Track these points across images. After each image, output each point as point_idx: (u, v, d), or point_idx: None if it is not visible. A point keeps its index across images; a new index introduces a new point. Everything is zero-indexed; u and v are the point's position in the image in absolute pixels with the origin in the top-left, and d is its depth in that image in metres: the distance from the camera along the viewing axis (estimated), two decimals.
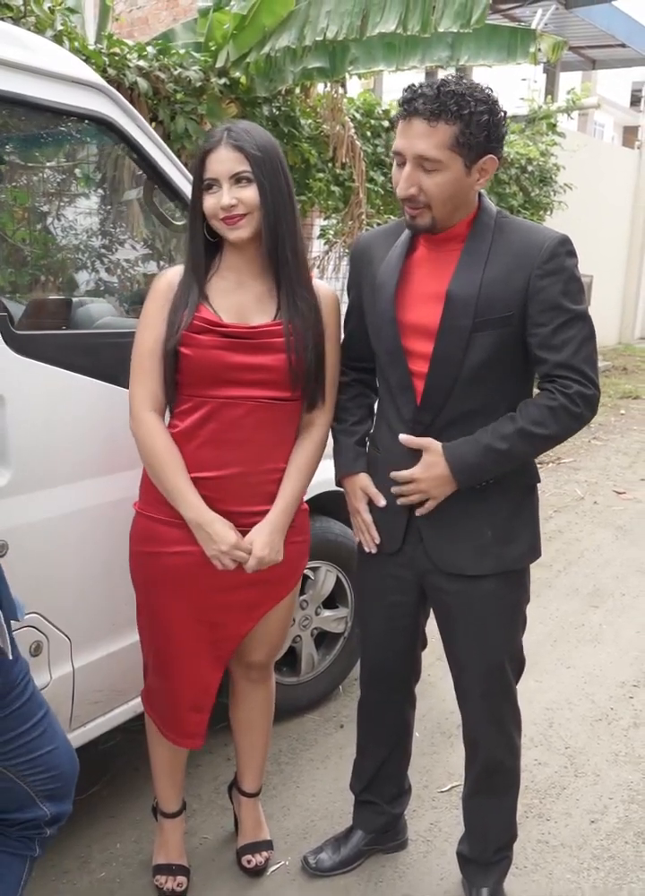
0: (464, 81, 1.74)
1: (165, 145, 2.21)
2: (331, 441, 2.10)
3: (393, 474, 1.88)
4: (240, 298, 1.91)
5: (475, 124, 1.69)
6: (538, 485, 2.01)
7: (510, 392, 1.86)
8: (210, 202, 1.84)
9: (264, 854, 2.27)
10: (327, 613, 2.99)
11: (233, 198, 1.81)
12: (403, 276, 1.86)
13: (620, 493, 5.95)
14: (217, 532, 1.86)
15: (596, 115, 20.11)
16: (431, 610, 2.10)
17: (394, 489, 1.89)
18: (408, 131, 1.72)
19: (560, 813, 2.58)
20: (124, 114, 2.12)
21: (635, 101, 22.83)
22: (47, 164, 2.49)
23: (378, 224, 7.24)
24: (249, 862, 2.25)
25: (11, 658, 1.45)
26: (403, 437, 1.86)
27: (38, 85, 1.90)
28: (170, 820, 2.20)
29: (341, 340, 2.06)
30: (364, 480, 2.02)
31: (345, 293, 2.12)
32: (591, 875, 2.33)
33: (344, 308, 2.09)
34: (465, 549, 1.88)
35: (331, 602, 3.01)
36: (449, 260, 1.82)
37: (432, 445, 1.84)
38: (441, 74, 1.79)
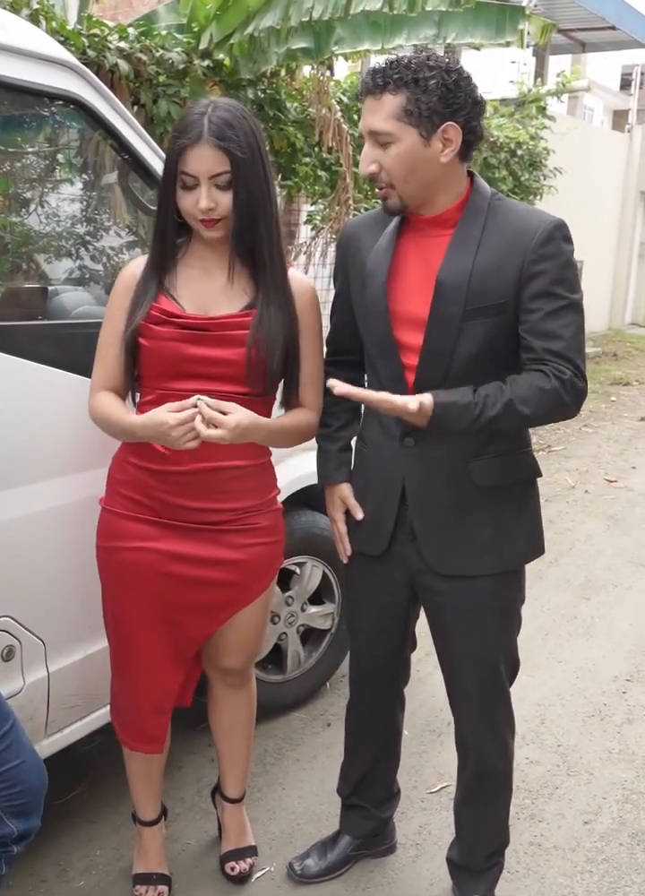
0: (423, 53, 1.67)
1: (140, 127, 2.12)
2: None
3: (370, 394, 1.65)
4: (205, 287, 1.83)
5: (423, 91, 1.62)
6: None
7: None
8: (188, 200, 1.75)
9: (249, 860, 2.21)
10: (313, 609, 2.91)
11: (212, 201, 1.72)
12: (394, 264, 1.78)
13: (611, 481, 5.90)
14: (155, 427, 1.70)
15: (585, 98, 20.02)
16: (421, 610, 2.03)
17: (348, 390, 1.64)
18: (363, 111, 1.69)
19: (553, 814, 2.52)
20: (97, 94, 2.02)
21: (625, 85, 22.69)
22: (11, 149, 2.38)
23: (366, 209, 7.14)
24: (233, 869, 2.18)
25: None
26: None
27: (3, 63, 1.80)
28: (149, 828, 2.13)
29: (329, 334, 1.98)
30: (344, 490, 1.97)
31: (332, 281, 2.04)
32: (585, 879, 2.27)
33: (329, 296, 2.01)
34: (462, 549, 1.81)
35: (317, 598, 2.94)
36: (439, 246, 1.74)
37: (426, 400, 1.62)
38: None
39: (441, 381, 1.74)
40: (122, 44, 4.67)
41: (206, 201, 1.72)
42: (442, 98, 1.63)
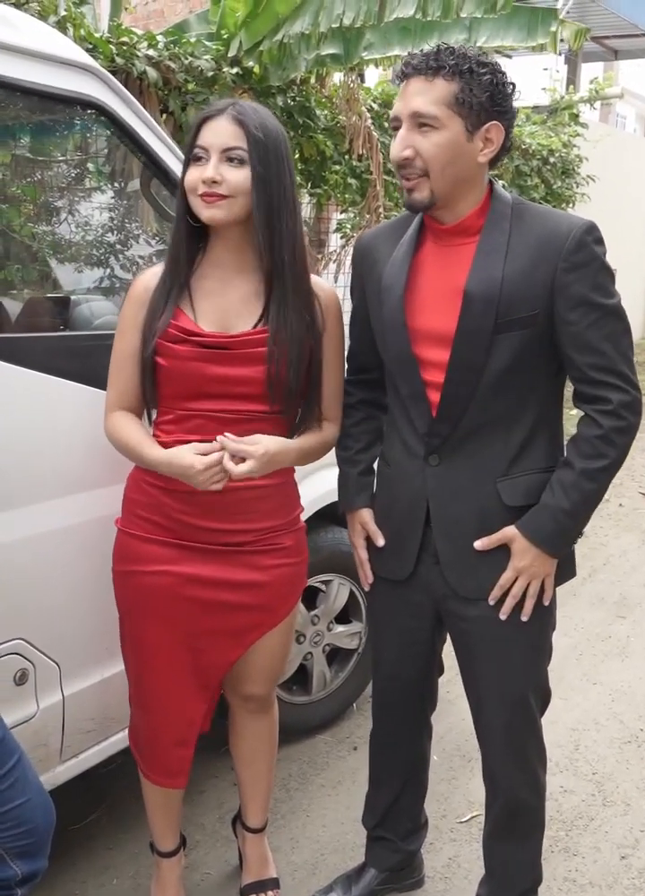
0: (472, 49, 1.60)
1: (162, 132, 2.05)
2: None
3: (496, 590, 1.72)
4: (223, 301, 1.74)
5: (476, 84, 1.55)
6: None
7: (535, 398, 1.69)
8: (193, 174, 1.65)
9: (270, 893, 2.12)
10: (340, 628, 2.83)
11: (218, 174, 1.63)
12: (411, 276, 1.69)
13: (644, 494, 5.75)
14: (180, 467, 1.65)
15: (618, 106, 19.80)
16: (448, 634, 1.93)
17: (499, 593, 1.73)
18: (405, 92, 1.58)
19: (588, 847, 2.41)
20: (117, 97, 1.96)
21: None
22: (32, 155, 2.33)
23: (395, 216, 7.02)
24: None
25: None
26: (479, 543, 1.71)
27: (20, 65, 1.74)
28: (167, 859, 2.04)
29: (348, 351, 1.91)
30: (364, 516, 1.89)
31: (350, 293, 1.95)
32: None
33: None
34: (487, 572, 1.71)
35: (344, 617, 2.86)
36: (462, 255, 1.65)
37: (508, 535, 1.70)
38: None
39: (469, 398, 1.66)
40: (150, 52, 4.64)
41: (211, 170, 1.62)
42: (492, 96, 1.56)
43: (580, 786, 2.67)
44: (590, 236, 1.59)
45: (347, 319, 1.90)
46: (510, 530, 1.70)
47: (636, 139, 14.90)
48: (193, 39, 5.05)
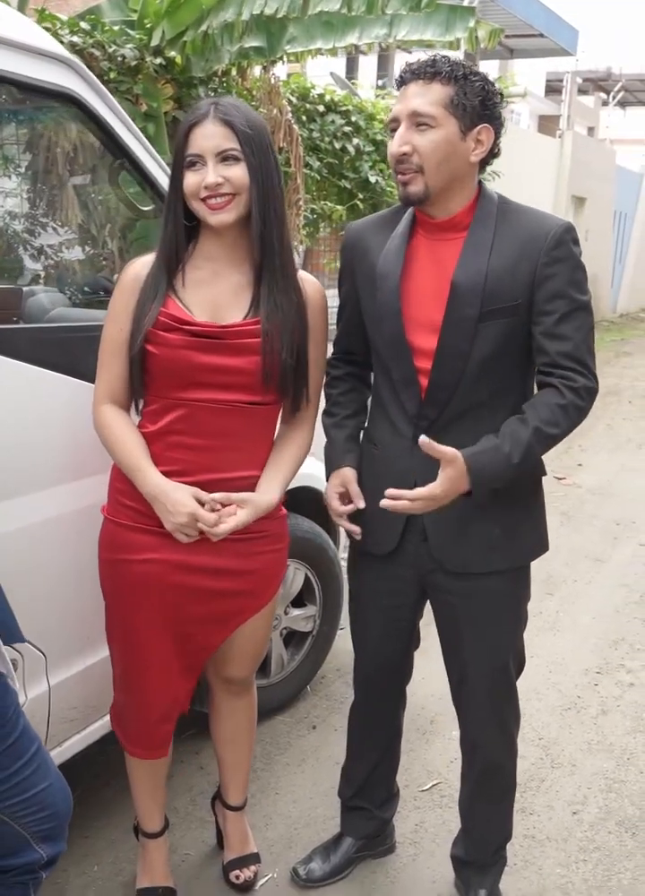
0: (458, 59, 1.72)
1: (134, 126, 2.07)
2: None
3: (415, 492, 1.69)
4: (215, 292, 1.78)
5: (470, 88, 1.67)
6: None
7: (517, 383, 1.81)
8: (191, 180, 1.69)
9: (252, 868, 2.18)
10: (296, 612, 2.90)
11: (219, 176, 1.67)
12: (404, 267, 1.78)
13: (560, 479, 6.02)
14: (175, 502, 1.71)
15: (512, 103, 20.38)
16: (426, 608, 2.03)
17: (398, 504, 1.71)
18: (403, 95, 1.70)
19: (542, 806, 2.56)
20: (92, 90, 1.97)
21: (549, 91, 23.22)
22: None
23: (313, 210, 7.13)
24: (237, 877, 2.15)
25: (15, 687, 1.32)
26: (424, 441, 1.65)
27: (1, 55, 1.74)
28: (154, 840, 2.08)
29: (336, 335, 1.97)
30: (348, 475, 1.92)
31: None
32: (580, 868, 2.31)
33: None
34: (473, 547, 1.82)
35: (299, 601, 2.93)
36: (451, 249, 1.75)
37: (456, 459, 1.66)
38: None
39: (455, 383, 1.76)
40: (74, 38, 4.58)
41: (213, 175, 1.66)
42: (483, 101, 1.68)
43: (529, 751, 2.83)
44: (569, 236, 1.72)
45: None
46: (453, 451, 1.67)
47: (535, 136, 15.43)
48: (114, 28, 4.99)
